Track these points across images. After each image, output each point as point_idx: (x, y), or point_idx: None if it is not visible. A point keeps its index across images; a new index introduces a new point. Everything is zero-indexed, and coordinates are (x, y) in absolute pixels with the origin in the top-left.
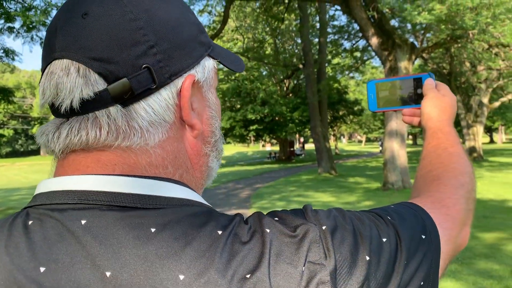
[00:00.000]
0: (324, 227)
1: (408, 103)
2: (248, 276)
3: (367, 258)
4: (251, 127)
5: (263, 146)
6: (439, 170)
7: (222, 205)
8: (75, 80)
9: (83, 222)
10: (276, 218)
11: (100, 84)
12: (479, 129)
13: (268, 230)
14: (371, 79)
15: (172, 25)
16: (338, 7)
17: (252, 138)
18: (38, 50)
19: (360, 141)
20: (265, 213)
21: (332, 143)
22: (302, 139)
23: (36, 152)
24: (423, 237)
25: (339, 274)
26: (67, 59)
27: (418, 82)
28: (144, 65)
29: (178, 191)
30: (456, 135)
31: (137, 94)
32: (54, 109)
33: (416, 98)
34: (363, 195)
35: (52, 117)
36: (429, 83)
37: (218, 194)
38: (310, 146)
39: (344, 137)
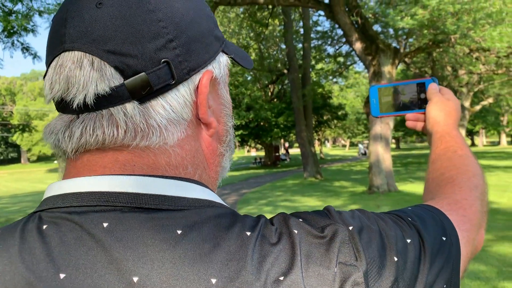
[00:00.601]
0: (351, 228)
1: (411, 108)
2: (281, 278)
3: (395, 258)
4: (236, 133)
5: (248, 151)
6: (452, 172)
7: None
8: (89, 74)
9: (105, 225)
10: (301, 219)
11: (116, 79)
12: (461, 132)
13: (296, 231)
14: (374, 84)
15: (190, 17)
16: (322, 13)
17: (237, 144)
18: (18, 56)
19: (344, 146)
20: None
21: (317, 147)
22: (287, 144)
23: (16, 160)
24: (444, 239)
25: (370, 275)
26: (79, 51)
27: (421, 87)
28: (163, 60)
29: (200, 192)
30: (463, 138)
31: (155, 90)
32: (64, 104)
33: (419, 103)
34: (349, 199)
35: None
36: (433, 87)
37: None
38: (295, 151)
39: (328, 142)
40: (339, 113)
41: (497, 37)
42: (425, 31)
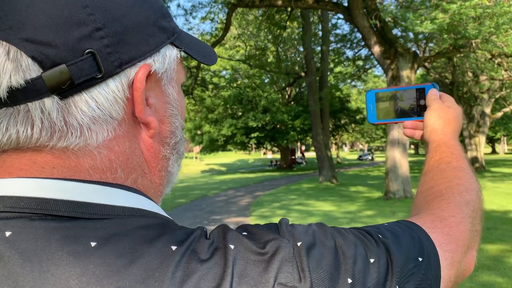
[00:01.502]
0: (299, 243)
1: (410, 115)
2: None
3: (349, 280)
4: (252, 135)
5: (264, 154)
6: (441, 186)
7: (221, 212)
8: (4, 65)
9: (7, 234)
10: (245, 233)
11: (33, 71)
12: (481, 139)
13: (232, 246)
14: (371, 89)
15: (127, 4)
16: (341, 16)
17: (254, 146)
18: None
19: (362, 150)
20: (235, 227)
21: (333, 151)
22: (303, 148)
23: None
24: (420, 259)
25: None
26: None
27: (421, 93)
28: (88, 50)
29: (129, 199)
30: (461, 149)
31: (77, 84)
32: None
33: (418, 110)
34: (364, 204)
35: None
36: (433, 93)
37: (218, 202)
38: (311, 154)
39: (346, 146)
40: (357, 117)
41: None
42: (445, 36)
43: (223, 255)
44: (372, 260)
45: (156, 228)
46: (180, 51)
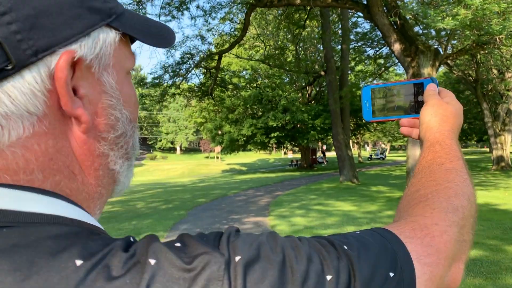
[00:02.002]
0: (237, 258)
1: (407, 112)
2: None
3: None
4: (272, 135)
5: (285, 153)
6: (428, 189)
7: (240, 212)
8: None
9: None
10: (178, 244)
11: None
12: (507, 137)
13: (152, 261)
14: (366, 84)
15: None
16: (361, 14)
17: (274, 146)
18: None
19: (374, 150)
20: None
21: (355, 151)
22: (324, 147)
23: None
24: (391, 275)
25: None
26: None
27: (419, 88)
28: None
29: (43, 205)
30: (458, 150)
31: None
32: None
33: (416, 107)
34: (385, 204)
35: None
36: (431, 88)
37: (237, 201)
38: (332, 154)
39: (368, 145)
40: None
41: None
42: (468, 32)
43: (141, 271)
44: (329, 277)
45: (66, 238)
46: (119, 33)
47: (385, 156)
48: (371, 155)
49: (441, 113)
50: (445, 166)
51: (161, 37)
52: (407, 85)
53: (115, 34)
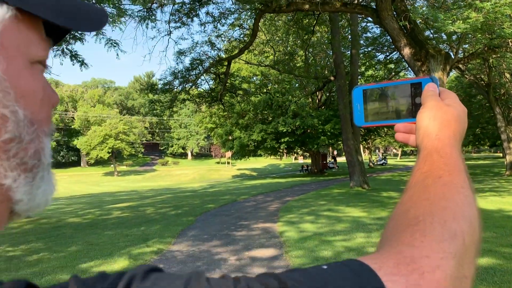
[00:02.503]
0: None
1: (403, 115)
2: None
3: None
4: (283, 140)
5: (295, 159)
6: (420, 209)
7: (249, 218)
8: None
9: None
10: None
11: None
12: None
13: None
14: (357, 85)
15: None
16: (370, 19)
17: (284, 151)
18: (78, 65)
19: (396, 155)
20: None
21: (366, 156)
22: (335, 152)
23: (76, 163)
24: None
25: None
26: None
27: (416, 89)
28: None
29: None
30: (460, 160)
31: None
32: None
33: (413, 110)
34: None
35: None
36: (430, 89)
37: (247, 207)
38: (343, 159)
39: (379, 151)
40: None
41: None
42: (479, 36)
43: None
44: None
45: None
46: (12, 9)
47: (386, 162)
48: (373, 161)
49: (440, 116)
50: (443, 180)
51: (83, 17)
52: (404, 85)
53: (6, 10)
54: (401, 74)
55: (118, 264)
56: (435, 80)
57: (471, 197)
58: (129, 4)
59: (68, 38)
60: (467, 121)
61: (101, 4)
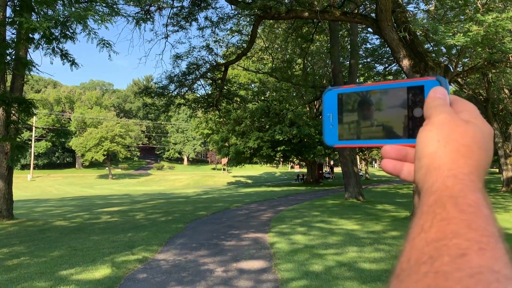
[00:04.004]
0: None
1: (395, 134)
2: None
3: None
4: (279, 148)
5: (291, 167)
6: None
7: (240, 227)
8: None
9: None
10: None
11: None
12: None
13: None
14: (330, 87)
15: None
16: (370, 30)
17: (280, 159)
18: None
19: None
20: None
21: (362, 167)
22: (332, 162)
23: (71, 164)
24: None
25: None
26: None
27: (416, 95)
28: None
29: None
30: (491, 215)
31: None
32: None
33: (411, 126)
34: (390, 224)
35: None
36: (438, 95)
37: (239, 216)
38: (340, 169)
39: (375, 162)
40: None
41: None
42: (479, 49)
43: None
44: None
45: None
46: None
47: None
48: (369, 173)
49: (456, 139)
50: (469, 263)
51: None
52: (398, 89)
53: None
54: None
55: (99, 272)
56: (444, 83)
57: None
58: (122, 4)
59: (58, 37)
60: (493, 147)
61: (93, 3)
